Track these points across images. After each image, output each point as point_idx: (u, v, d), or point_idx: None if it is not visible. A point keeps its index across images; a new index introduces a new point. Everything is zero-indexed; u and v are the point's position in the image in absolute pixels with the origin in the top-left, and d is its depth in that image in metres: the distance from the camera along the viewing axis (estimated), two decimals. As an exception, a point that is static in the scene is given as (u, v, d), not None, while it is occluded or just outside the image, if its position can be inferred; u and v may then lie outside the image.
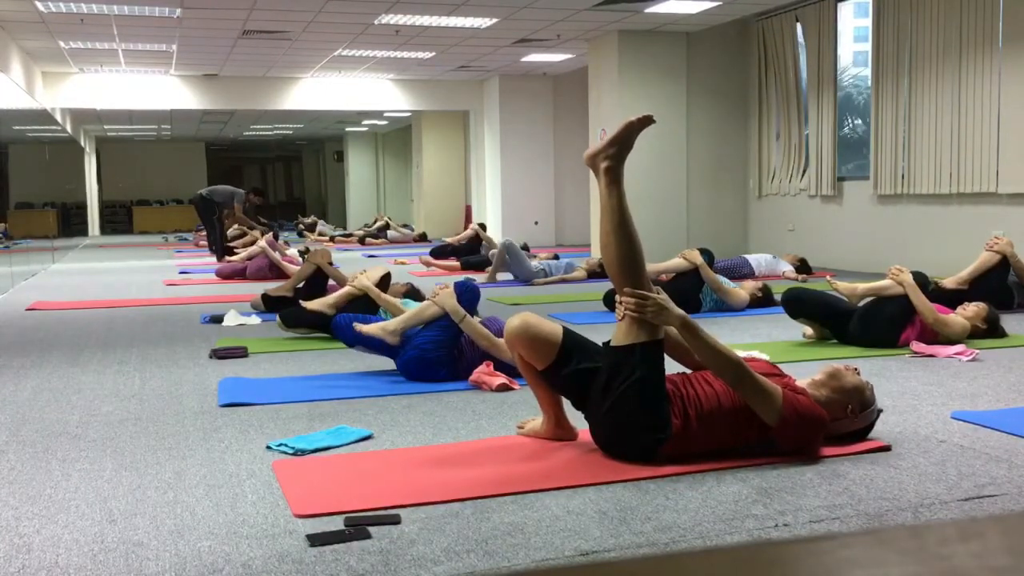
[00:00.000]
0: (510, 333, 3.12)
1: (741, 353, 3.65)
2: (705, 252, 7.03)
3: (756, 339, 5.63)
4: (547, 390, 3.20)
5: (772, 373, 3.13)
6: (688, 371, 3.21)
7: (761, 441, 2.97)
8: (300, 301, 5.88)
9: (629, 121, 3.03)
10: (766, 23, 11.69)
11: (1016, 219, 8.45)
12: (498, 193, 16.18)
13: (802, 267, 9.37)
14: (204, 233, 19.02)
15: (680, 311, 2.95)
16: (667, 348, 3.08)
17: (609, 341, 3.04)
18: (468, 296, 4.46)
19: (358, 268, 6.16)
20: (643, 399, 2.91)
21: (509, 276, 9.58)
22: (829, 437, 3.13)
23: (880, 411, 3.22)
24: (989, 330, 5.36)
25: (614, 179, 3.03)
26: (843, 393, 3.11)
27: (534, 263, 9.45)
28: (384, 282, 5.63)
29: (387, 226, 18.30)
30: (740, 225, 12.43)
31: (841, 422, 3.12)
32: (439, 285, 4.52)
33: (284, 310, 5.97)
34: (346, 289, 5.65)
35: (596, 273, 9.13)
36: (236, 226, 16.38)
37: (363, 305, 5.43)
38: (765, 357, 4.69)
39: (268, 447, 3.29)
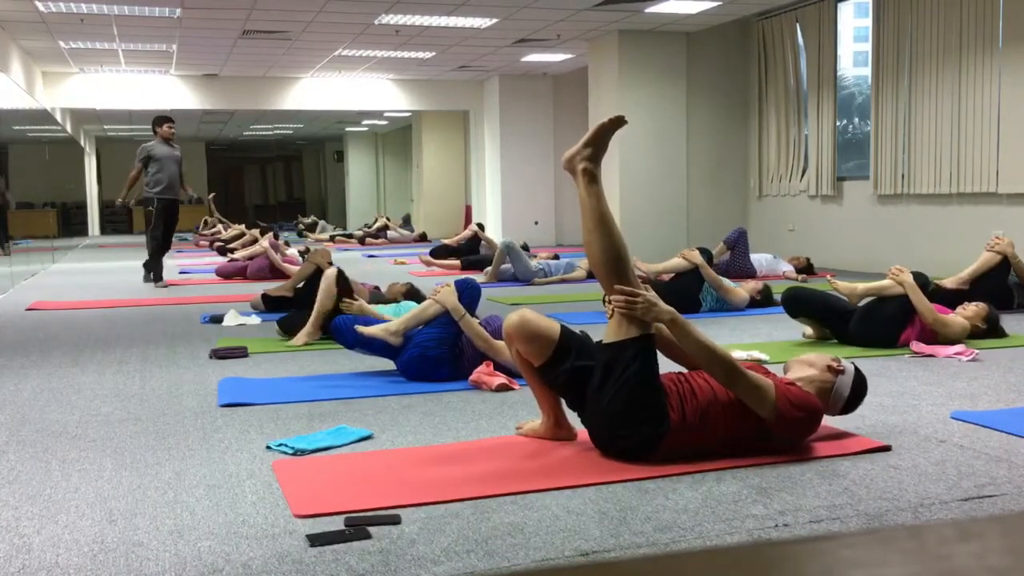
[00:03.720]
0: (508, 328, 3.14)
1: (740, 354, 3.66)
2: (704, 251, 7.04)
3: (756, 339, 5.63)
4: (546, 389, 3.21)
5: (765, 372, 3.15)
6: (684, 371, 3.22)
7: (759, 434, 2.98)
8: (286, 300, 5.89)
9: (601, 124, 3.12)
10: (766, 23, 11.69)
11: (1016, 219, 8.45)
12: (498, 193, 16.18)
13: (806, 268, 9.36)
14: (206, 233, 19.05)
15: (669, 307, 2.99)
16: (662, 348, 3.11)
17: (600, 341, 3.06)
18: (469, 294, 4.47)
19: (357, 268, 6.14)
20: (639, 393, 2.93)
21: (509, 274, 9.59)
22: (838, 412, 3.24)
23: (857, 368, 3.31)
24: (989, 330, 5.36)
25: (591, 179, 3.11)
26: (818, 359, 3.25)
27: (534, 263, 9.46)
28: (341, 282, 5.59)
29: (386, 226, 18.31)
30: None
31: (836, 386, 3.18)
32: (440, 284, 4.53)
33: (282, 318, 5.96)
34: (302, 269, 5.67)
35: (596, 273, 9.11)
36: (235, 227, 16.39)
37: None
38: (765, 358, 4.70)
39: (268, 447, 3.29)
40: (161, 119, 10.42)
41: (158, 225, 10.17)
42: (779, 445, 3.01)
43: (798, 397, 3.00)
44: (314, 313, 5.59)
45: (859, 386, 3.25)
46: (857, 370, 3.28)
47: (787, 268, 9.29)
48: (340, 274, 5.64)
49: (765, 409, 2.94)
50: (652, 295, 2.98)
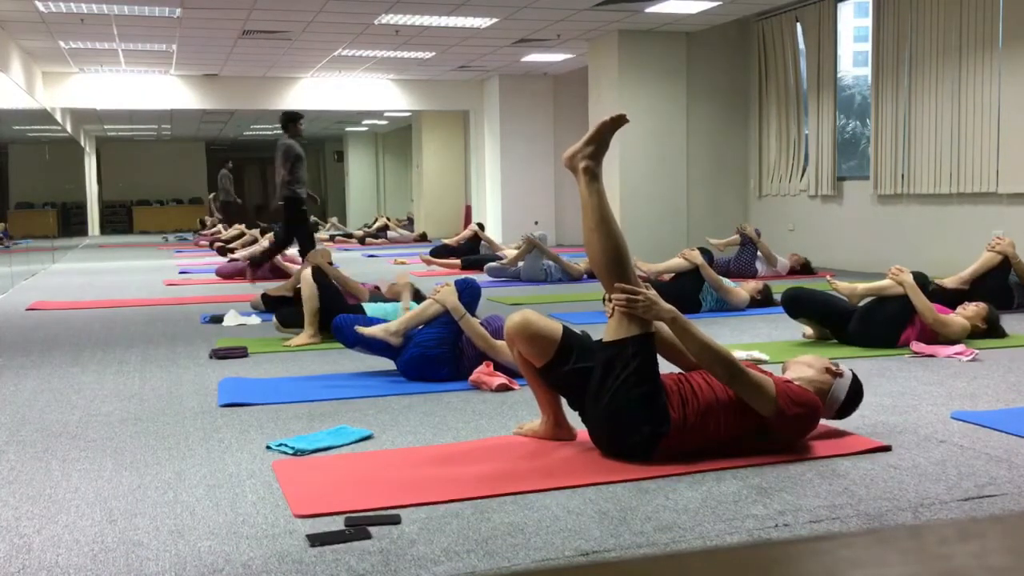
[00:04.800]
0: (510, 329, 3.13)
1: (741, 354, 3.66)
2: (705, 252, 7.04)
3: (756, 339, 5.63)
4: (546, 389, 3.21)
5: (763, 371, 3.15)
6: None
7: (759, 432, 2.98)
8: (265, 292, 5.98)
9: (602, 121, 3.12)
10: (766, 23, 11.69)
11: (1016, 219, 8.45)
12: (498, 193, 16.18)
13: (804, 268, 9.39)
14: (206, 233, 19.02)
15: (670, 306, 2.99)
16: (661, 349, 3.10)
17: (600, 339, 3.06)
18: (469, 294, 4.47)
19: (357, 268, 6.14)
20: (639, 392, 2.93)
21: (511, 272, 9.63)
22: (833, 415, 3.23)
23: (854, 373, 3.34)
24: (989, 330, 5.36)
25: (592, 178, 3.11)
26: (816, 361, 3.27)
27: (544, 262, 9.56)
28: (320, 277, 5.65)
29: (386, 226, 18.32)
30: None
31: (833, 388, 3.20)
32: (440, 284, 4.53)
33: (280, 312, 6.00)
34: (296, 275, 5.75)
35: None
36: (236, 227, 16.39)
37: (345, 305, 5.46)
38: (765, 358, 4.71)
39: (268, 447, 3.29)
40: (296, 115, 9.83)
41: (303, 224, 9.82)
42: (779, 443, 3.01)
43: (798, 394, 3.00)
44: (306, 317, 5.60)
45: (855, 391, 3.25)
46: (854, 376, 3.28)
47: (783, 262, 9.36)
48: (316, 270, 5.64)
49: (766, 407, 2.94)
50: (653, 293, 2.98)
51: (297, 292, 6.78)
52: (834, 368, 3.23)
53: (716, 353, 2.95)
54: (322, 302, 5.54)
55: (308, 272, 5.63)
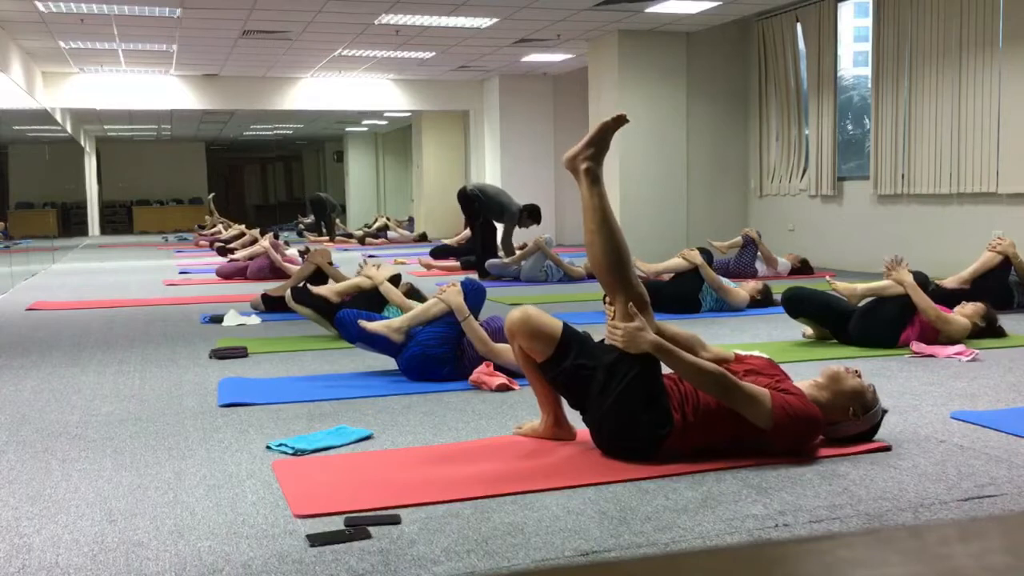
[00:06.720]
0: (511, 324, 3.14)
1: (741, 352, 3.64)
2: (704, 252, 7.04)
3: (756, 339, 5.63)
4: (546, 387, 3.21)
5: (771, 373, 3.13)
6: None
7: (758, 438, 2.97)
8: (307, 285, 6.04)
9: (604, 122, 3.10)
10: (766, 23, 11.69)
11: (1016, 219, 8.45)
12: (498, 193, 16.18)
13: (803, 268, 9.41)
14: (206, 233, 18.98)
15: (653, 337, 2.93)
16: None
17: (603, 340, 3.05)
18: (474, 296, 4.46)
19: (356, 268, 6.13)
20: (643, 395, 2.92)
21: (512, 271, 9.64)
22: (832, 439, 3.12)
23: (885, 411, 3.20)
24: (988, 329, 5.36)
25: (594, 179, 3.09)
26: (843, 396, 3.09)
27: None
28: (394, 282, 5.68)
29: (387, 226, 18.32)
30: (740, 225, 12.40)
31: (842, 425, 3.11)
32: (444, 284, 4.53)
33: (295, 286, 6.03)
34: (355, 280, 5.72)
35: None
36: (235, 227, 16.39)
37: (366, 301, 5.44)
38: (765, 357, 4.70)
39: (268, 447, 3.29)
40: (539, 216, 10.76)
41: None
42: (778, 450, 2.99)
43: (795, 408, 2.95)
44: (354, 283, 5.64)
45: (866, 433, 3.14)
46: (874, 425, 3.15)
47: (784, 263, 9.37)
48: (399, 275, 5.82)
49: (762, 420, 2.92)
50: (634, 325, 2.92)
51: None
52: (858, 412, 3.08)
53: (706, 373, 2.91)
54: (369, 294, 5.51)
55: (401, 276, 5.83)
